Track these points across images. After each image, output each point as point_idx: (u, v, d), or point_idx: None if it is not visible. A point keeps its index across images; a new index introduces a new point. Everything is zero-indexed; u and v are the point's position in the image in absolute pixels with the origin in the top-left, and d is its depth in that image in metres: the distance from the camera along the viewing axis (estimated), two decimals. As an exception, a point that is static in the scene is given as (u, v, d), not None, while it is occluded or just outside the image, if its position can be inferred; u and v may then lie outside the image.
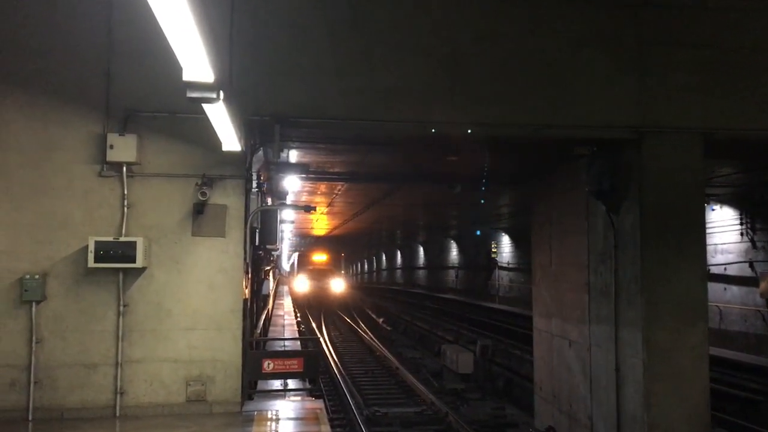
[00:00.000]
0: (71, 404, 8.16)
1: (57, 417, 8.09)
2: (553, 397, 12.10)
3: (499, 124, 8.99)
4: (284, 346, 15.03)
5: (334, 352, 22.63)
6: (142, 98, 8.41)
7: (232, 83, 7.49)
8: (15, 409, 8.04)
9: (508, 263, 31.29)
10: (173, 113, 8.42)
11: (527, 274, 24.13)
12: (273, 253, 19.10)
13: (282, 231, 26.41)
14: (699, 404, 9.09)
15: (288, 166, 12.82)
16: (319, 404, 9.39)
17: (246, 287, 9.07)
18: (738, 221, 17.42)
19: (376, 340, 25.41)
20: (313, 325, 29.61)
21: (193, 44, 4.52)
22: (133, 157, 8.31)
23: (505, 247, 32.00)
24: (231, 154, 8.26)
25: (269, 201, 14.53)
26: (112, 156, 8.28)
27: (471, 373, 17.62)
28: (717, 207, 17.79)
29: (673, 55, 9.21)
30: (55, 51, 8.37)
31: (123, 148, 8.28)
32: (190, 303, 8.50)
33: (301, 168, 13.00)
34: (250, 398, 9.35)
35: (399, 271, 56.70)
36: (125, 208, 8.36)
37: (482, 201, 14.89)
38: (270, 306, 22.60)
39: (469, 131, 9.10)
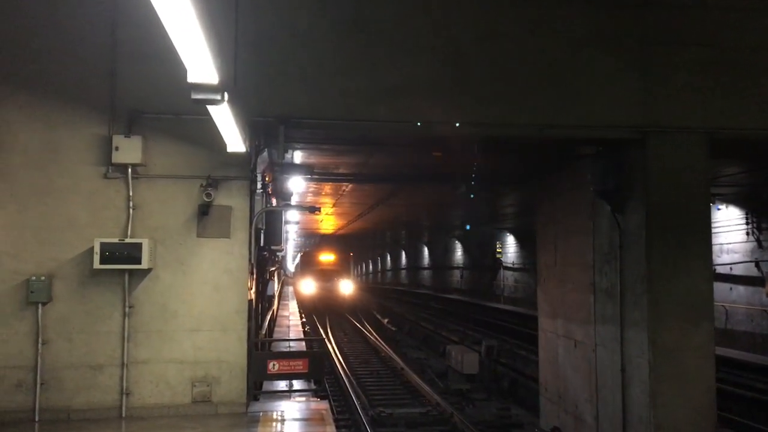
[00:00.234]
0: (77, 405, 8.19)
1: (63, 418, 8.11)
2: (558, 398, 12.08)
3: (502, 123, 8.99)
4: (289, 346, 15.06)
5: (339, 353, 22.62)
6: (146, 100, 8.44)
7: (237, 84, 7.51)
8: (21, 410, 8.07)
9: (513, 263, 31.24)
10: (178, 115, 8.44)
11: (532, 275, 24.10)
12: (278, 254, 19.11)
13: (287, 232, 26.45)
14: (705, 404, 9.06)
15: (292, 167, 12.85)
16: (324, 405, 9.40)
17: (251, 288, 9.08)
18: (744, 221, 17.37)
19: (381, 341, 25.41)
20: (319, 327, 29.55)
21: (197, 46, 4.54)
22: (138, 158, 8.33)
23: (509, 248, 31.94)
24: (235, 156, 8.28)
25: (274, 202, 14.55)
26: (118, 157, 8.31)
27: (476, 374, 17.60)
28: (722, 206, 17.74)
29: (675, 54, 9.20)
30: (59, 53, 8.40)
31: (128, 150, 8.31)
32: (196, 304, 8.52)
33: (305, 169, 13.03)
34: (256, 399, 9.36)
35: (404, 272, 56.66)
36: (130, 210, 8.39)
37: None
38: (275, 307, 22.61)
39: (472, 131, 9.10)
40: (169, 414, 8.30)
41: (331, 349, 22.38)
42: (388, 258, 63.43)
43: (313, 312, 35.61)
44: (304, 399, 9.72)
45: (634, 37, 9.17)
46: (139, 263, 8.17)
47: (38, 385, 8.11)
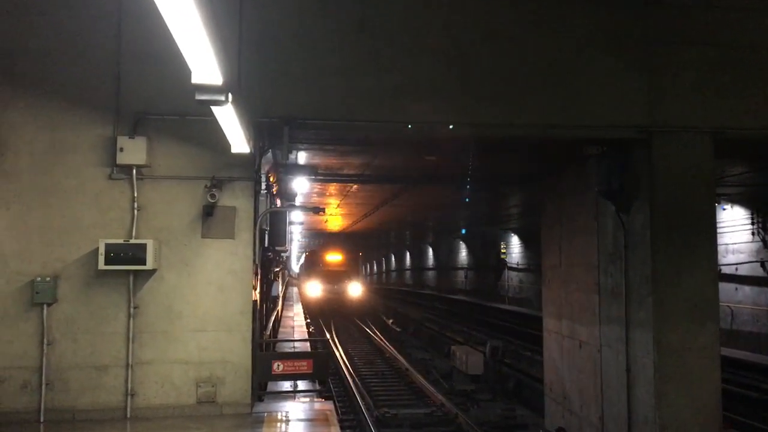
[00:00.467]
0: (82, 406, 8.21)
1: (68, 419, 8.14)
2: (563, 398, 12.06)
3: (505, 124, 8.98)
4: (294, 347, 15.07)
5: (344, 353, 22.62)
6: (151, 101, 8.46)
7: (241, 85, 7.53)
8: (27, 411, 8.10)
9: (518, 264, 31.20)
10: (182, 116, 8.46)
11: (537, 275, 24.07)
12: (282, 254, 19.14)
13: (291, 232, 26.47)
14: (710, 405, 9.03)
15: (296, 168, 12.86)
16: (329, 405, 9.40)
17: (255, 289, 9.09)
18: (749, 221, 17.31)
19: (385, 341, 25.40)
20: (324, 328, 29.47)
21: (201, 47, 4.55)
22: (142, 159, 8.35)
23: (514, 248, 31.90)
24: (240, 156, 8.30)
25: (278, 202, 14.57)
26: (122, 159, 8.33)
27: (481, 374, 17.59)
28: (728, 206, 17.69)
29: (680, 54, 9.18)
30: (65, 54, 8.43)
31: (133, 151, 8.33)
32: (200, 305, 8.53)
33: (309, 170, 13.04)
34: (260, 399, 9.37)
35: (408, 272, 56.65)
36: (135, 211, 8.41)
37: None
38: (279, 308, 22.63)
39: (475, 132, 9.10)
40: (173, 414, 8.32)
41: (335, 350, 22.37)
42: (393, 259, 63.45)
43: (321, 319, 32.63)
44: (308, 399, 9.73)
45: (638, 37, 9.15)
46: (144, 264, 8.19)
47: (43, 386, 8.13)
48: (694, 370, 9.01)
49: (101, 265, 8.12)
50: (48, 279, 8.20)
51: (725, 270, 17.44)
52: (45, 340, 8.19)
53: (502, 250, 32.90)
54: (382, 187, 18.11)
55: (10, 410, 8.05)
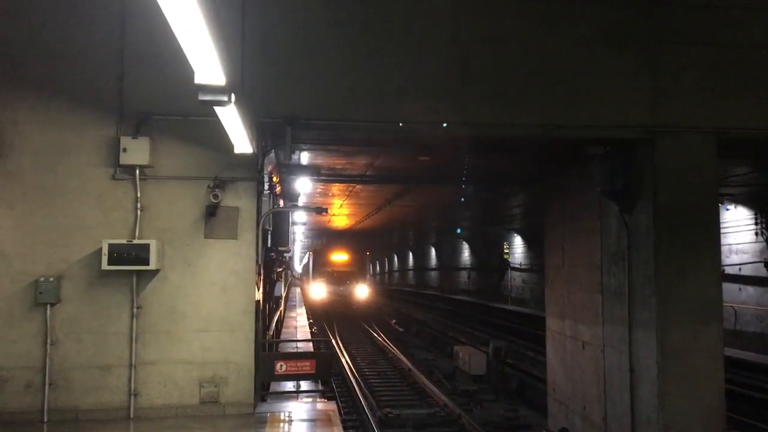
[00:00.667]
0: (86, 406, 8.22)
1: (72, 418, 8.15)
2: (566, 399, 12.05)
3: (509, 124, 8.97)
4: (296, 347, 15.08)
5: (347, 354, 22.63)
6: (154, 101, 8.47)
7: (244, 86, 7.53)
8: (30, 411, 8.11)
9: (521, 264, 31.18)
10: (185, 116, 8.47)
11: (540, 275, 24.06)
12: (285, 254, 19.15)
13: (294, 233, 26.46)
14: (714, 405, 9.02)
15: (299, 168, 12.87)
16: (331, 406, 9.41)
17: (258, 289, 9.10)
18: (753, 221, 17.29)
19: (388, 342, 25.39)
20: (327, 329, 29.30)
21: (204, 48, 4.56)
22: (146, 160, 8.36)
23: (517, 248, 31.89)
24: (243, 157, 8.30)
25: (281, 203, 14.57)
26: (126, 159, 8.34)
27: (484, 375, 17.57)
28: (731, 207, 17.66)
29: (684, 54, 9.16)
30: (68, 55, 8.44)
31: (136, 151, 8.34)
32: (203, 305, 8.54)
33: (312, 170, 13.04)
34: (263, 400, 9.38)
35: (411, 273, 56.66)
36: (138, 211, 8.42)
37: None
38: (282, 308, 22.64)
39: (479, 132, 9.10)
40: (177, 415, 8.33)
41: (337, 350, 22.38)
42: (396, 259, 63.48)
43: (326, 324, 30.78)
44: (311, 400, 9.73)
45: (641, 37, 9.14)
46: (147, 264, 8.19)
47: (47, 386, 8.15)
48: (697, 371, 8.99)
49: (104, 266, 8.13)
50: (51, 279, 8.21)
51: (729, 270, 17.41)
52: (48, 340, 8.20)
53: (505, 251, 32.88)
54: (385, 188, 18.11)
55: (13, 410, 8.06)
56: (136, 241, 8.25)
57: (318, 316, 31.77)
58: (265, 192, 9.46)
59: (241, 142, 7.67)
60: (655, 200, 9.15)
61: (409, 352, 23.06)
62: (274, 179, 11.66)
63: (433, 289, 47.38)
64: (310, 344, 16.38)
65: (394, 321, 32.58)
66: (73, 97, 8.44)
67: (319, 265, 36.83)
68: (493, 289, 33.95)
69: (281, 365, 8.93)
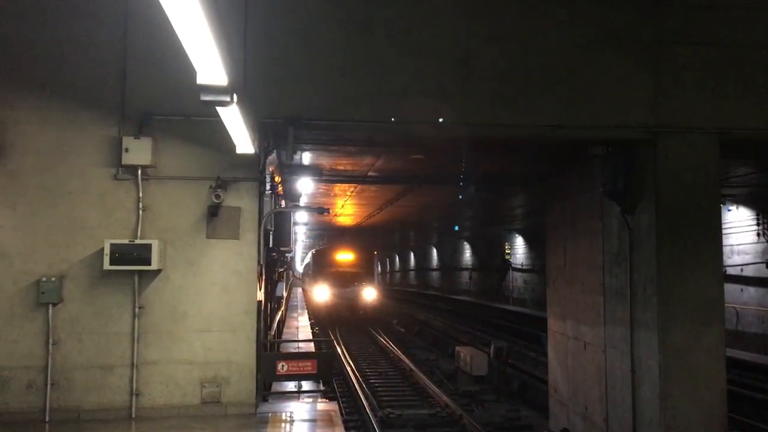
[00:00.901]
0: (87, 405, 8.23)
1: (73, 418, 8.16)
2: (568, 399, 12.04)
3: (512, 124, 8.97)
4: (298, 347, 15.08)
5: (348, 353, 22.63)
6: (156, 101, 8.48)
7: (246, 86, 7.54)
8: (32, 411, 8.12)
9: (522, 264, 31.17)
10: (188, 116, 8.48)
11: (541, 276, 24.03)
12: (286, 255, 19.16)
13: (295, 233, 26.45)
14: (716, 406, 9.01)
15: (301, 169, 12.87)
16: (333, 406, 9.41)
17: (260, 289, 9.10)
18: (755, 221, 17.26)
19: (390, 343, 25.39)
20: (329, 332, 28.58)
21: (206, 48, 4.56)
22: (147, 160, 8.37)
23: (518, 249, 31.88)
24: (245, 157, 8.31)
25: (282, 203, 14.58)
26: (128, 159, 8.36)
27: (485, 375, 17.55)
28: (733, 207, 17.63)
29: (686, 54, 9.16)
30: (70, 55, 8.46)
31: (138, 151, 8.35)
32: (205, 305, 8.55)
33: (314, 170, 13.04)
34: (265, 400, 9.38)
35: (412, 273, 56.68)
36: (140, 211, 8.43)
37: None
38: (284, 308, 22.65)
39: (481, 132, 9.10)
40: (178, 414, 8.34)
41: (339, 350, 22.38)
42: (397, 259, 63.50)
43: (328, 325, 29.36)
44: (312, 400, 9.73)
45: (643, 37, 9.14)
46: (149, 264, 8.21)
47: (48, 386, 8.16)
48: (699, 372, 8.98)
49: (106, 266, 8.15)
50: (53, 279, 8.22)
51: (730, 271, 17.38)
52: (50, 340, 8.21)
53: (507, 251, 32.87)
54: (387, 188, 18.11)
55: (15, 410, 8.08)
56: (138, 241, 8.27)
57: (321, 319, 29.82)
58: (266, 192, 9.46)
59: (243, 143, 7.68)
60: (657, 201, 9.14)
61: (410, 353, 23.06)
62: (276, 179, 11.67)
63: (434, 289, 47.39)
64: (312, 344, 16.38)
65: (395, 321, 32.56)
66: (75, 97, 8.45)
67: (323, 265, 33.63)
68: (495, 289, 33.93)
69: (283, 365, 8.93)
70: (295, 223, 23.91)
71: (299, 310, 27.19)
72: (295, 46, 8.62)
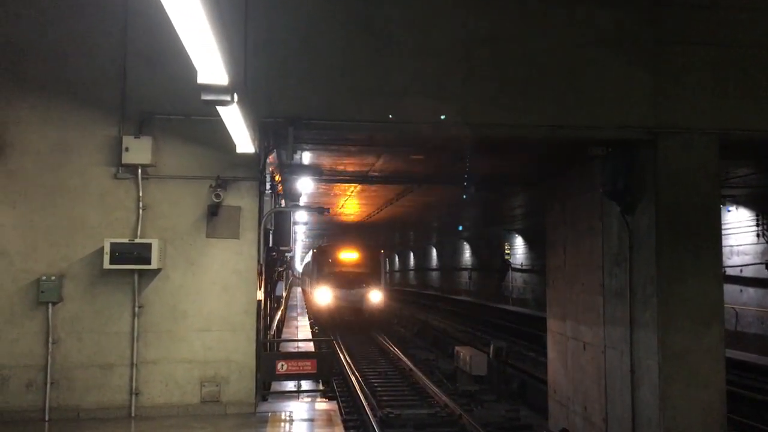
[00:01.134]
0: (87, 404, 8.23)
1: (73, 417, 8.16)
2: (567, 399, 12.05)
3: (512, 124, 8.98)
4: (297, 347, 15.08)
5: (347, 353, 22.63)
6: (157, 101, 8.48)
7: (246, 85, 7.54)
8: (32, 410, 8.12)
9: (522, 265, 31.16)
10: (188, 116, 8.48)
11: (541, 276, 24.03)
12: (286, 254, 19.16)
13: (295, 232, 26.39)
14: (715, 407, 9.01)
15: (301, 168, 12.87)
16: (332, 405, 9.41)
17: (260, 288, 9.10)
18: (754, 222, 17.27)
19: (391, 344, 25.39)
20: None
21: (207, 47, 4.56)
22: (148, 159, 8.37)
23: (518, 249, 31.87)
24: (245, 156, 8.31)
25: (282, 203, 14.58)
26: (128, 158, 8.36)
27: (485, 375, 17.56)
28: (733, 208, 17.64)
29: (687, 54, 9.16)
30: (71, 54, 8.45)
31: (138, 151, 8.35)
32: (205, 304, 8.55)
33: (314, 170, 13.04)
34: (264, 399, 9.38)
35: (412, 273, 56.68)
36: (140, 210, 8.43)
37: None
38: (283, 308, 22.64)
39: (482, 132, 9.10)
40: (178, 414, 8.34)
41: (338, 349, 22.38)
42: (397, 259, 63.50)
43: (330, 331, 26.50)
44: (312, 399, 9.73)
45: (644, 38, 9.14)
46: (149, 263, 8.21)
47: (48, 385, 8.16)
48: (698, 372, 8.99)
49: (106, 265, 8.15)
50: (53, 278, 8.22)
51: (730, 272, 17.39)
52: (50, 339, 8.21)
53: (506, 251, 32.87)
54: (387, 187, 18.12)
55: (15, 408, 8.08)
56: (137, 241, 8.27)
57: (323, 323, 27.43)
58: (266, 192, 9.47)
59: (243, 142, 7.68)
60: (657, 201, 9.15)
61: (409, 353, 23.07)
62: (276, 179, 11.67)
63: (434, 289, 47.37)
64: (311, 344, 16.37)
65: (395, 321, 32.54)
66: (76, 96, 8.45)
67: (325, 265, 31.20)
68: (494, 289, 33.93)
69: (282, 365, 8.94)
70: (295, 223, 23.90)
71: (298, 309, 27.12)
72: (295, 46, 8.62)
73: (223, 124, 6.90)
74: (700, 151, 9.14)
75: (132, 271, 8.32)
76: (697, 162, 9.14)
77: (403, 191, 18.62)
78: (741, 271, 17.67)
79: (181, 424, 8.04)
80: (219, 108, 6.03)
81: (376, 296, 30.00)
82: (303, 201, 19.16)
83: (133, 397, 8.30)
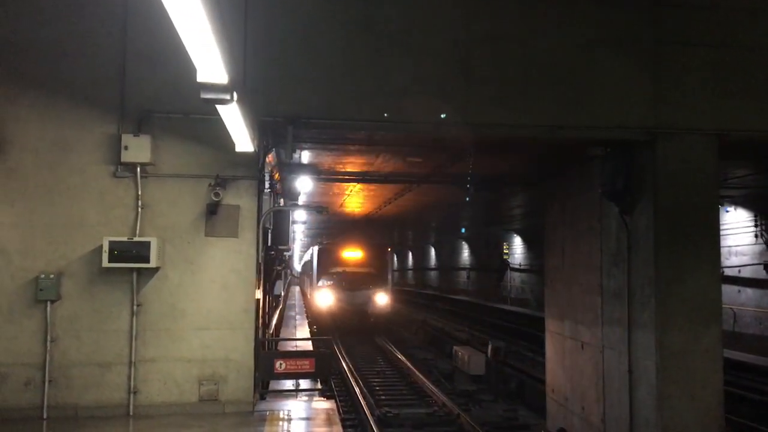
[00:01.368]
0: (85, 403, 8.23)
1: (71, 416, 8.15)
2: (565, 399, 12.06)
3: (512, 124, 8.98)
4: (296, 346, 15.07)
5: (346, 353, 22.63)
6: (156, 99, 8.48)
7: (246, 84, 7.53)
8: (30, 408, 8.11)
9: (520, 264, 31.19)
10: (187, 114, 8.47)
11: (539, 276, 24.06)
12: (285, 253, 19.15)
13: (294, 231, 26.34)
14: (713, 407, 9.02)
15: (300, 167, 12.87)
16: (330, 404, 9.41)
17: (258, 287, 9.10)
18: (752, 223, 17.30)
19: (388, 342, 25.39)
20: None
21: (207, 46, 4.56)
22: (147, 157, 8.37)
23: (516, 249, 31.90)
24: (244, 155, 8.31)
25: (281, 202, 14.57)
26: (127, 157, 8.35)
27: (483, 375, 17.58)
28: (731, 209, 17.67)
29: (686, 55, 9.17)
30: (70, 53, 8.45)
31: (137, 149, 8.35)
32: (204, 303, 8.54)
33: (313, 169, 13.05)
34: (263, 398, 9.39)
35: (410, 272, 56.69)
36: (139, 209, 8.42)
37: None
38: (282, 306, 22.61)
39: (481, 132, 9.11)
40: (176, 412, 8.34)
41: (336, 349, 22.37)
42: (395, 258, 63.50)
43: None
44: (310, 398, 9.74)
45: (644, 38, 9.15)
46: (148, 262, 8.20)
47: (46, 383, 8.15)
48: (696, 373, 9.00)
49: (105, 263, 8.14)
50: (52, 276, 8.22)
51: (728, 272, 17.42)
52: (48, 337, 8.20)
53: (505, 251, 32.89)
54: (385, 187, 18.12)
55: (13, 407, 8.07)
56: (136, 239, 8.26)
57: (323, 326, 25.33)
58: (265, 190, 9.46)
59: (243, 141, 7.67)
60: (656, 201, 9.15)
61: (408, 352, 23.08)
62: (275, 178, 11.67)
63: (432, 288, 47.37)
64: (310, 343, 16.37)
65: (395, 321, 32.52)
66: (75, 95, 8.44)
67: (327, 264, 28.61)
68: (493, 289, 33.95)
69: (281, 364, 8.94)
70: (294, 222, 23.89)
71: (297, 309, 27.06)
72: (294, 46, 8.61)
73: (223, 122, 6.89)
74: (699, 152, 9.15)
75: (131, 269, 8.32)
76: (696, 162, 9.15)
77: (402, 190, 18.62)
78: (739, 271, 17.71)
79: (180, 422, 8.04)
80: (218, 107, 6.02)
81: (382, 299, 27.35)
82: (302, 200, 19.15)
83: (132, 395, 8.30)
